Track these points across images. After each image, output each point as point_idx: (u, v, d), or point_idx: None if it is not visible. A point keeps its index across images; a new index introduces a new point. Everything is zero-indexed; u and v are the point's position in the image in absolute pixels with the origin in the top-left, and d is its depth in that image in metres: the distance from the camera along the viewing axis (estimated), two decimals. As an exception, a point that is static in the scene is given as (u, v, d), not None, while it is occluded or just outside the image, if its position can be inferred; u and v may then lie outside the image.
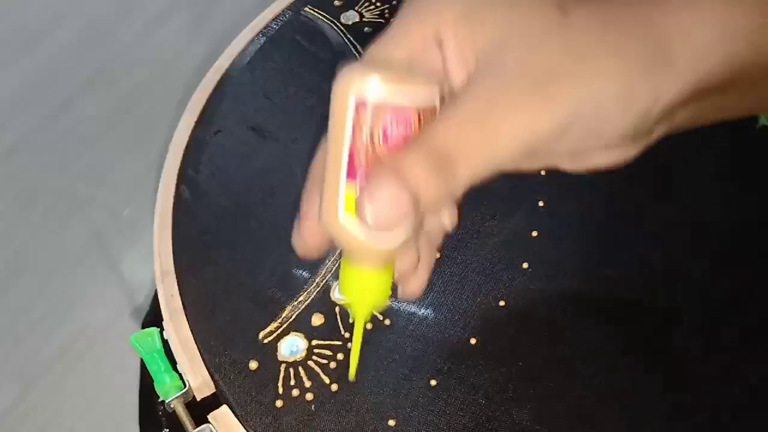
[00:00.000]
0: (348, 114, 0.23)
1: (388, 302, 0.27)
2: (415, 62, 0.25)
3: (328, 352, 0.34)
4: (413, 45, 0.25)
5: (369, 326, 0.35)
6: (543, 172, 0.39)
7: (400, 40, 0.25)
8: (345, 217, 0.24)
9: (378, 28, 0.49)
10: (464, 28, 0.24)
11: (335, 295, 0.33)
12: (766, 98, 0.28)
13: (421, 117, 0.24)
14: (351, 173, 0.24)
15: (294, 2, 0.51)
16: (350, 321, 0.29)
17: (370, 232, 0.24)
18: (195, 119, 0.45)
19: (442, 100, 0.25)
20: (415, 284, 0.29)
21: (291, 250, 0.38)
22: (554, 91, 0.23)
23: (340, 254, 0.27)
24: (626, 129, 0.24)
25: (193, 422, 0.34)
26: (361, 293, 0.27)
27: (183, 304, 0.37)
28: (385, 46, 0.25)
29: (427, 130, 0.23)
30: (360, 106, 0.23)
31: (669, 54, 0.24)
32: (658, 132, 0.27)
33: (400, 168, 0.23)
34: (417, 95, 0.24)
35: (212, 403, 0.35)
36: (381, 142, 0.23)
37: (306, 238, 0.28)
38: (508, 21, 0.24)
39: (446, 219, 0.28)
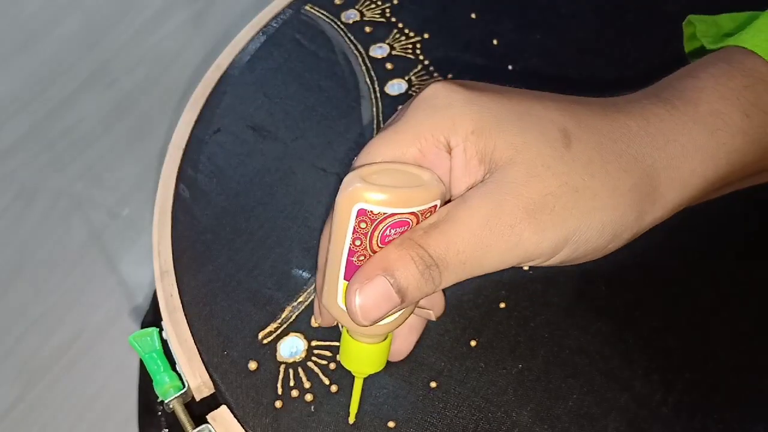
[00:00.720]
0: (350, 223, 0.25)
1: (383, 368, 0.30)
2: (425, 162, 0.27)
3: (328, 353, 0.34)
4: (424, 147, 0.27)
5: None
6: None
7: (411, 140, 0.27)
8: (342, 303, 0.27)
9: (378, 26, 0.49)
10: (475, 146, 0.26)
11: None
12: (739, 187, 0.30)
13: (420, 219, 0.26)
14: (348, 272, 0.26)
15: (294, 1, 0.51)
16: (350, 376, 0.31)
17: None
18: (194, 118, 0.45)
19: (443, 201, 0.26)
20: (403, 345, 0.32)
21: (291, 250, 0.38)
22: (549, 220, 0.25)
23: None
24: (609, 250, 0.27)
25: (192, 422, 0.33)
26: (359, 363, 0.29)
27: (182, 303, 0.37)
28: (396, 143, 0.27)
29: (421, 232, 0.25)
30: (361, 215, 0.25)
31: (658, 188, 0.26)
32: (637, 235, 0.28)
33: (391, 265, 0.25)
34: (417, 201, 0.25)
35: (211, 403, 0.34)
36: (379, 243, 0.25)
37: (321, 314, 0.33)
38: (514, 148, 0.26)
39: (432, 314, 0.31)
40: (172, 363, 0.36)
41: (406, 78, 0.45)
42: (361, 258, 0.26)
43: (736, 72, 0.28)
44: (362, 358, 0.29)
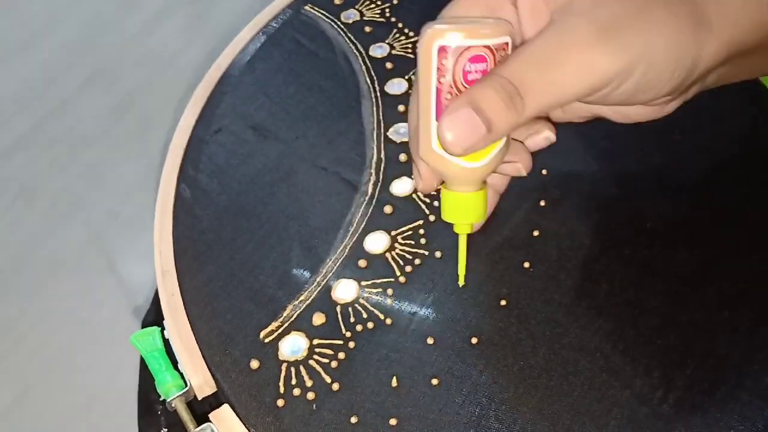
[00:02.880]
0: (432, 61, 0.28)
1: (485, 219, 0.33)
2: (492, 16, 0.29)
3: (330, 352, 0.34)
4: (490, 3, 0.29)
5: (371, 325, 0.35)
6: (545, 171, 0.39)
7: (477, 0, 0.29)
8: (438, 147, 0.29)
9: (378, 26, 0.49)
10: None
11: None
12: None
13: (496, 55, 0.28)
14: (439, 111, 0.28)
15: (294, 1, 0.51)
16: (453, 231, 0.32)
17: (460, 159, 0.29)
18: (195, 118, 0.45)
19: (514, 44, 0.28)
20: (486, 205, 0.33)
21: (292, 248, 0.38)
22: (618, 39, 0.27)
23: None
24: (672, 82, 0.28)
25: (194, 421, 0.34)
26: (458, 213, 0.31)
27: (184, 303, 0.37)
28: (464, 3, 0.30)
29: (500, 66, 0.27)
30: (441, 52, 0.27)
31: (709, 20, 0.27)
32: (693, 92, 0.30)
33: (476, 98, 0.27)
34: (490, 37, 0.27)
35: (213, 402, 0.35)
36: (462, 81, 0.28)
37: (419, 175, 0.33)
38: None
39: (521, 167, 0.33)
40: (174, 362, 0.36)
41: (406, 77, 0.45)
42: (448, 97, 0.28)
43: None
44: (462, 208, 0.31)
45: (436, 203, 0.39)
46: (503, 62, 0.27)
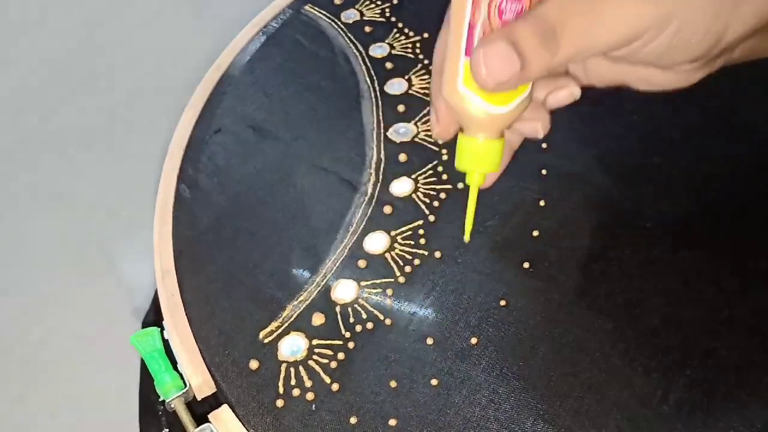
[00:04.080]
0: None
1: (499, 171, 0.31)
2: None
3: (329, 352, 0.34)
4: None
5: (370, 325, 0.35)
6: (544, 171, 0.39)
7: None
8: (463, 86, 0.27)
9: (378, 26, 0.49)
10: None
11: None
12: None
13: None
14: (469, 48, 0.27)
15: (294, 1, 0.51)
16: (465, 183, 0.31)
17: (485, 102, 0.28)
18: (195, 118, 0.45)
19: None
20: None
21: (291, 249, 0.38)
22: None
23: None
24: (704, 44, 0.28)
25: (193, 422, 0.34)
26: (474, 161, 0.30)
27: (183, 303, 0.37)
28: None
29: (538, 6, 0.27)
30: None
31: None
32: (719, 63, 0.30)
33: (512, 33, 0.26)
34: None
35: (213, 402, 0.35)
36: (497, 18, 0.27)
37: (437, 119, 0.31)
38: None
39: (539, 127, 0.32)
40: (174, 362, 0.36)
41: (406, 77, 0.45)
42: (480, 34, 0.27)
43: None
44: (479, 156, 0.29)
45: (435, 203, 0.39)
46: (540, 3, 0.27)
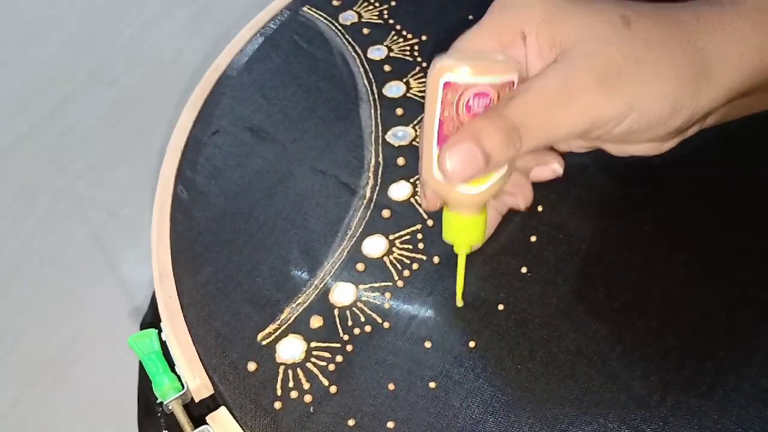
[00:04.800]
0: (438, 94, 0.29)
1: (483, 241, 0.34)
2: (503, 52, 0.31)
3: (327, 354, 0.34)
4: (502, 39, 0.31)
5: (368, 328, 0.35)
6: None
7: (491, 34, 0.31)
8: (438, 172, 0.30)
9: (376, 28, 0.49)
10: (546, 31, 0.30)
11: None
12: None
13: (500, 93, 0.29)
14: (440, 140, 0.29)
15: (292, 2, 0.51)
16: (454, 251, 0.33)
17: (460, 185, 0.30)
18: (193, 119, 0.45)
19: (520, 80, 0.30)
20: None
21: (289, 251, 0.38)
22: (616, 86, 0.28)
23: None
24: (668, 126, 0.30)
25: (191, 424, 0.34)
26: (458, 234, 0.32)
27: (181, 305, 0.37)
28: (478, 37, 0.31)
29: (502, 103, 0.29)
30: (447, 87, 0.28)
31: (710, 69, 0.29)
32: (692, 131, 0.32)
33: (477, 133, 0.28)
34: (497, 75, 0.29)
35: (210, 404, 0.35)
36: (465, 114, 0.29)
37: (425, 196, 0.34)
38: (581, 28, 0.29)
39: (520, 202, 0.34)
40: (171, 364, 0.36)
41: (404, 80, 0.45)
42: (450, 128, 0.29)
43: None
44: (462, 230, 0.32)
45: (433, 206, 0.39)
46: (506, 101, 0.29)
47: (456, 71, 0.28)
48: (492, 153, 0.28)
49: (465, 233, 0.32)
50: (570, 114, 0.28)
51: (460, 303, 0.35)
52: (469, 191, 0.30)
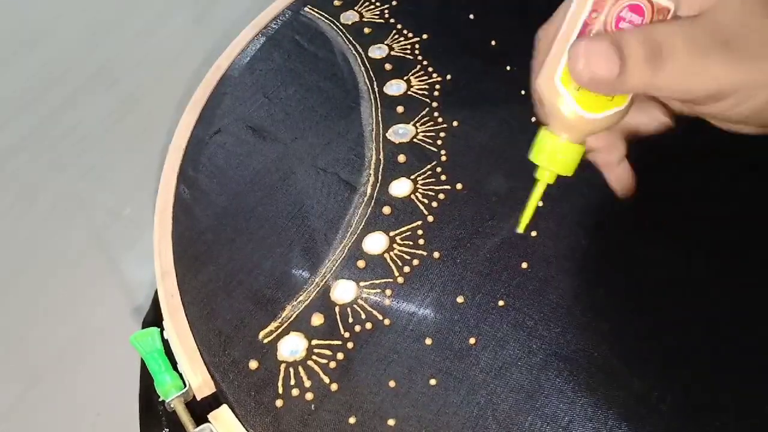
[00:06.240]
0: None
1: (571, 174, 0.30)
2: None
3: (328, 352, 0.34)
4: None
5: (369, 326, 0.35)
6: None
7: None
8: (560, 82, 0.27)
9: (377, 27, 0.49)
10: None
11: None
12: None
13: (655, 14, 0.27)
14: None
15: (293, 2, 0.51)
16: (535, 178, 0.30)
17: (576, 103, 0.27)
18: (195, 119, 0.46)
19: (676, 9, 0.28)
20: (624, 174, 0.33)
21: (291, 249, 0.38)
22: (738, 57, 0.28)
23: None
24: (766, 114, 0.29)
25: (193, 422, 0.34)
26: (549, 159, 0.29)
27: (183, 303, 0.37)
28: None
29: (655, 25, 0.27)
30: None
31: None
32: None
33: (621, 39, 0.27)
34: None
35: (212, 402, 0.35)
36: (613, 23, 0.27)
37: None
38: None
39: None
40: (174, 363, 0.36)
41: (405, 78, 0.45)
42: (593, 34, 0.27)
43: None
44: (555, 154, 0.29)
45: (434, 204, 0.39)
46: (660, 24, 0.27)
47: None
48: (629, 64, 0.27)
49: (557, 159, 0.29)
50: (708, 75, 0.28)
51: (521, 229, 0.31)
52: (582, 112, 0.28)
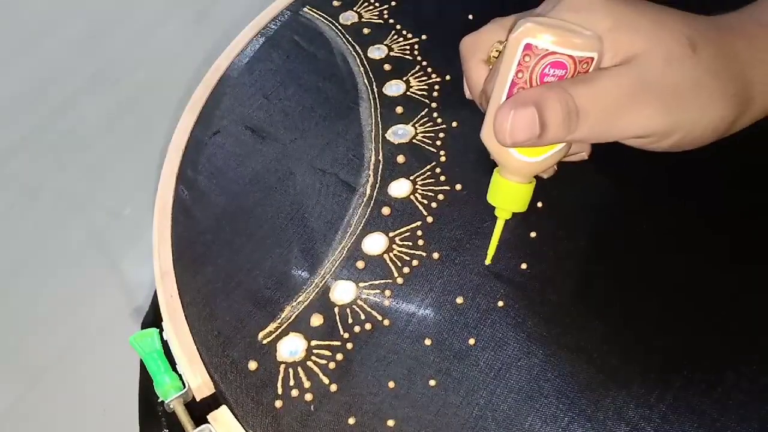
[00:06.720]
0: (517, 56, 0.29)
1: (524, 209, 0.34)
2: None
3: (327, 353, 0.34)
4: (588, 19, 0.31)
5: (368, 326, 0.35)
6: (544, 175, 0.39)
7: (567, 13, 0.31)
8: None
9: (376, 28, 0.49)
10: (613, 40, 0.31)
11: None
12: None
13: (577, 67, 0.30)
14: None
15: (293, 2, 0.51)
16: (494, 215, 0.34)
17: (517, 152, 0.30)
18: (194, 120, 0.46)
19: (598, 63, 0.30)
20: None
21: (290, 250, 0.38)
22: (676, 107, 0.30)
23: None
24: (704, 141, 0.32)
25: (192, 423, 0.34)
26: (503, 199, 0.33)
27: (182, 304, 0.37)
28: (567, 9, 0.31)
29: (574, 82, 0.29)
30: (527, 49, 0.29)
31: (754, 97, 0.32)
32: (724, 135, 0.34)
33: (543, 101, 0.29)
34: (579, 49, 0.29)
35: (212, 403, 0.35)
36: (538, 81, 0.29)
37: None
38: (651, 42, 0.30)
39: (584, 154, 0.37)
40: (173, 363, 0.36)
41: (404, 79, 0.45)
42: (521, 91, 0.29)
43: None
44: (507, 195, 0.32)
45: (434, 205, 0.39)
46: (577, 81, 0.29)
47: (539, 37, 0.28)
48: (549, 126, 0.29)
49: (510, 199, 0.33)
50: (629, 119, 0.30)
51: (488, 261, 0.36)
52: (522, 159, 0.31)
